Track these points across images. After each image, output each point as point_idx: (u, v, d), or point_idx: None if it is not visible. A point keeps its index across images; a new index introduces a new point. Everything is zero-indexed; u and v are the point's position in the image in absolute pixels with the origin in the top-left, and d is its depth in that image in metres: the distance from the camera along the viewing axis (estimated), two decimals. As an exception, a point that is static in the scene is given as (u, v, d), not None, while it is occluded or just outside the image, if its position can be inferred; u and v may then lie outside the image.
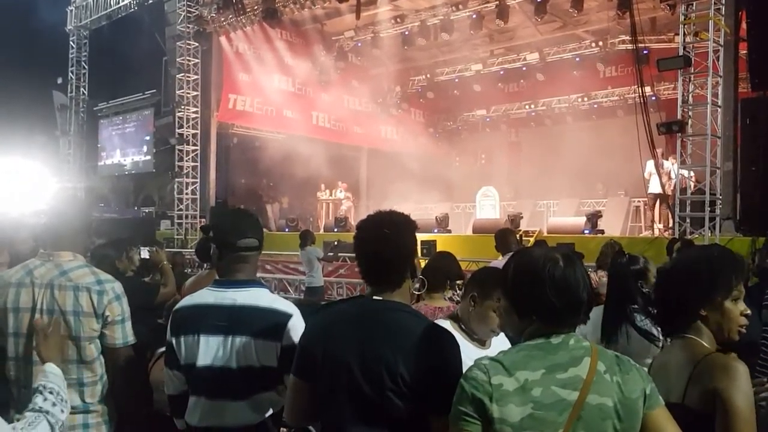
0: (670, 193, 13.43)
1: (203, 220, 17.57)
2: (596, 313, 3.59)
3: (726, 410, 1.80)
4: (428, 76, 21.62)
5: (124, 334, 2.76)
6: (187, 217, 18.00)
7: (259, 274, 2.69)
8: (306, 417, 2.16)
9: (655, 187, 13.65)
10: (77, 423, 2.63)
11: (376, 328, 1.98)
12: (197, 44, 17.96)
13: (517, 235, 9.61)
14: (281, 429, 2.53)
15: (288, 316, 2.43)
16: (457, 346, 1.98)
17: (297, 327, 2.40)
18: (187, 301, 2.59)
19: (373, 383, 1.92)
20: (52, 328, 2.52)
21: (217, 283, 2.54)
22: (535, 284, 1.74)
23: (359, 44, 19.03)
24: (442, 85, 21.73)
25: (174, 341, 2.49)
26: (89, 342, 2.67)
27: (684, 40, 10.87)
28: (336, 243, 14.04)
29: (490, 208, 18.19)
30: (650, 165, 13.25)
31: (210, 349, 2.41)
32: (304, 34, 18.94)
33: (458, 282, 3.70)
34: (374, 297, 2.08)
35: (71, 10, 21.72)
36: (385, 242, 2.07)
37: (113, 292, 2.74)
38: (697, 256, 2.14)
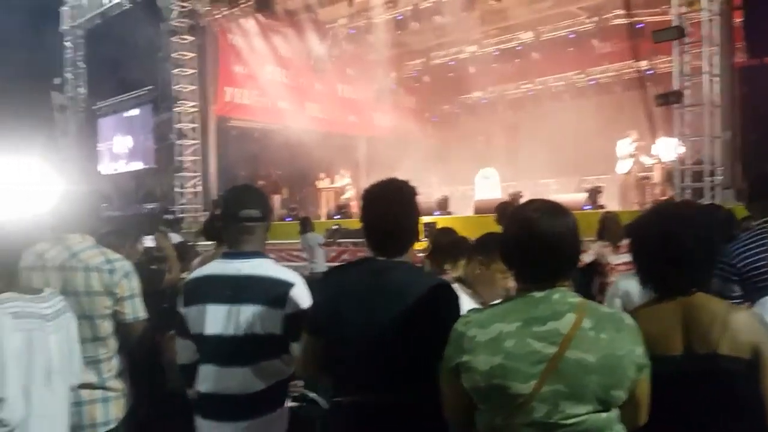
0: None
1: (206, 214, 17.58)
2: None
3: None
4: (424, 60, 21.53)
5: (134, 309, 2.85)
6: (189, 211, 18.06)
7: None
8: (317, 370, 2.26)
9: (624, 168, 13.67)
10: (97, 397, 2.71)
11: (383, 285, 2.07)
12: (192, 38, 17.95)
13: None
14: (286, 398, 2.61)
15: (290, 285, 2.50)
16: (457, 298, 2.09)
17: (300, 295, 2.48)
18: (197, 272, 2.70)
19: (382, 335, 2.02)
20: None
21: (224, 254, 2.63)
22: (519, 237, 1.81)
23: (353, 31, 18.96)
24: (437, 68, 21.60)
25: (184, 311, 2.58)
26: (102, 320, 2.76)
27: (678, 10, 10.85)
28: (336, 227, 14.05)
29: (490, 188, 18.17)
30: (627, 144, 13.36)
31: (216, 318, 2.48)
32: (297, 23, 18.84)
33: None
34: (379, 258, 2.16)
35: (65, 11, 21.70)
36: (399, 205, 2.16)
37: (123, 270, 2.83)
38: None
